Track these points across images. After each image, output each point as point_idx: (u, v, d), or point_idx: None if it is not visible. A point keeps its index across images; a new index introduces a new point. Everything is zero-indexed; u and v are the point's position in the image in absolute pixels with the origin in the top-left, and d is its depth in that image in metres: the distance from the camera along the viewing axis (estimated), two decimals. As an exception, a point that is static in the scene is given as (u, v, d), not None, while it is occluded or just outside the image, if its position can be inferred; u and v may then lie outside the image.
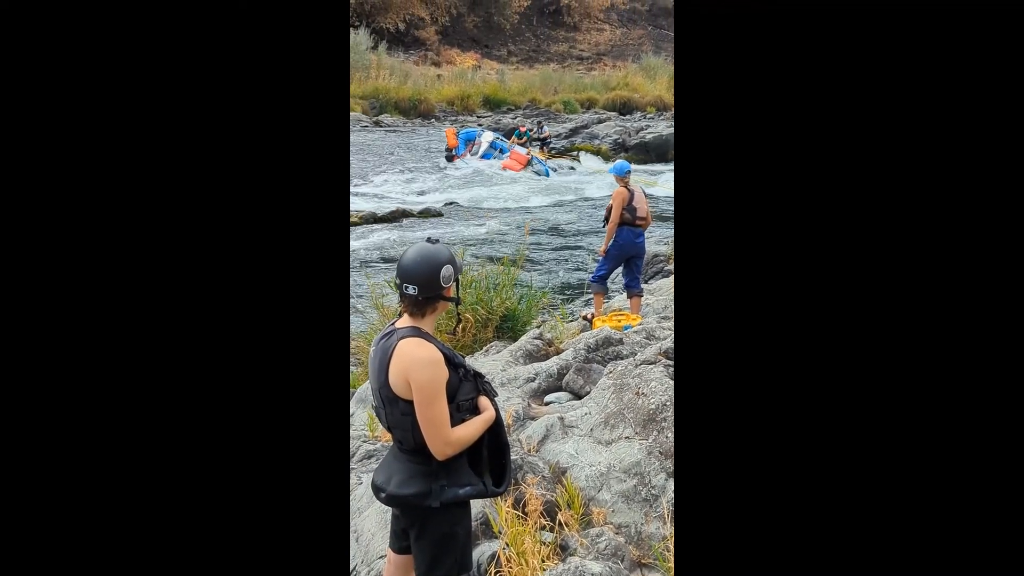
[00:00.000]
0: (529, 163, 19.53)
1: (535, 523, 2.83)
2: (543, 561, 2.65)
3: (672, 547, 2.62)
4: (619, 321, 5.99)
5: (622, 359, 4.31)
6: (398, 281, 2.19)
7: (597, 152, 22.51)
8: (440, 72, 35.19)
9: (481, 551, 2.78)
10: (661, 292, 7.55)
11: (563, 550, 2.78)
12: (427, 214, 14.65)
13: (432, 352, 2.09)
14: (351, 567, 3.08)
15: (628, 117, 27.97)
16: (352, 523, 3.37)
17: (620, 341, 4.66)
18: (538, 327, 5.67)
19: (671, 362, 3.63)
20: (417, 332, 2.15)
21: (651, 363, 3.66)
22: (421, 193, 17.06)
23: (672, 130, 20.80)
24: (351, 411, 4.92)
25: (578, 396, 4.13)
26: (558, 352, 4.84)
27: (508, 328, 5.89)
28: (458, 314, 2.57)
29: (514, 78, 34.70)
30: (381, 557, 2.93)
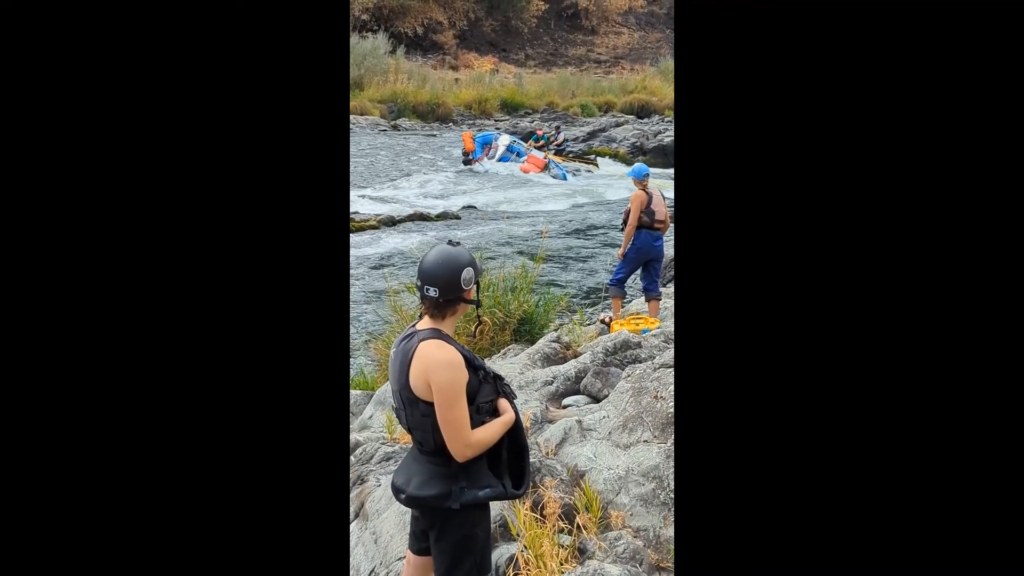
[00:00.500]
0: (546, 167, 19.53)
1: (553, 526, 2.83)
2: (561, 564, 2.65)
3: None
4: (637, 324, 5.98)
5: (640, 362, 4.30)
6: (419, 283, 2.20)
7: (615, 156, 22.48)
8: (458, 76, 35.25)
9: (499, 553, 2.78)
10: (679, 296, 7.50)
11: (581, 553, 2.78)
12: (444, 217, 14.69)
13: (452, 354, 2.10)
14: (371, 569, 3.10)
15: (646, 121, 27.88)
16: (371, 525, 3.39)
17: (638, 344, 4.65)
18: (556, 330, 5.67)
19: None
20: (438, 334, 2.16)
21: (669, 367, 3.65)
22: (438, 196, 17.11)
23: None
24: (369, 413, 4.94)
25: (596, 399, 4.12)
26: (576, 355, 4.84)
27: (526, 331, 5.89)
28: (478, 316, 2.58)
29: (532, 82, 34.69)
30: (400, 559, 2.94)
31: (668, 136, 22.92)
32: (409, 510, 2.40)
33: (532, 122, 26.58)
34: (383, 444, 4.17)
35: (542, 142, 21.32)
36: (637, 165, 6.67)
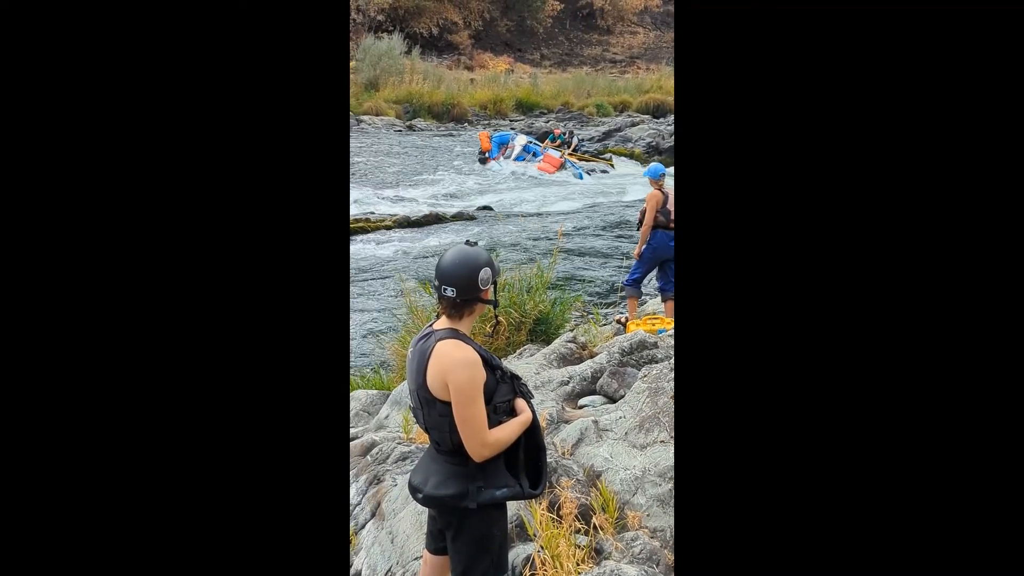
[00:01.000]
0: (563, 166, 19.53)
1: (570, 526, 2.83)
2: (578, 564, 2.65)
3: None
4: (653, 325, 5.96)
5: (656, 363, 4.29)
6: (436, 283, 2.21)
7: (631, 155, 22.41)
8: (473, 76, 35.28)
9: (516, 553, 2.78)
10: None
11: (598, 553, 2.78)
12: (460, 218, 14.71)
13: (470, 353, 2.10)
14: (387, 568, 3.11)
15: (662, 120, 27.77)
16: (387, 524, 3.40)
17: (654, 345, 4.64)
18: (571, 330, 5.66)
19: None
20: (455, 334, 2.17)
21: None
22: (454, 196, 17.13)
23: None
24: (385, 413, 4.96)
25: (612, 400, 4.12)
26: (592, 355, 4.84)
27: (541, 331, 5.89)
28: (496, 316, 2.58)
29: (547, 82, 34.63)
30: (417, 558, 2.95)
31: (684, 136, 22.76)
32: (426, 509, 2.40)
33: (547, 122, 26.55)
34: (399, 444, 4.18)
35: (558, 141, 21.32)
36: (653, 165, 6.66)
